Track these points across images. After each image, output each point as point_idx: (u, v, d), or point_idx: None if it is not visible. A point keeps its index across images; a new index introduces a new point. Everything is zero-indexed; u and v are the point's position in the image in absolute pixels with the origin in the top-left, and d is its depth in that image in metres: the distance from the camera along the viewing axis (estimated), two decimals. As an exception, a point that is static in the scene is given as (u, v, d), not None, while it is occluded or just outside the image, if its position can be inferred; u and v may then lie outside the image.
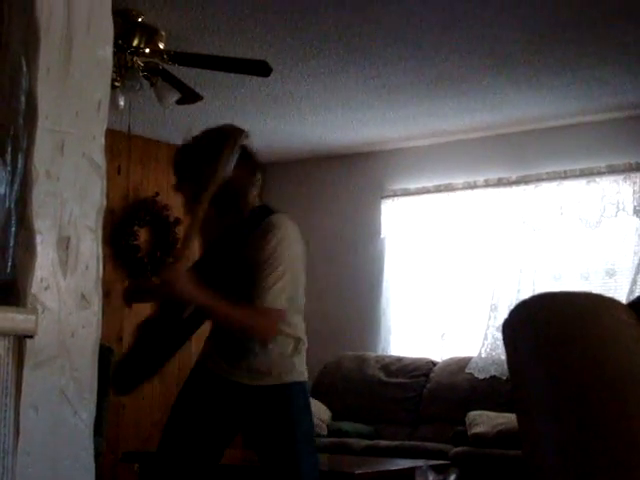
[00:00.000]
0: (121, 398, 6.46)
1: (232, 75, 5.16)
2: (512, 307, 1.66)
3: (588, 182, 6.39)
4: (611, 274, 6.26)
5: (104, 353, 2.39)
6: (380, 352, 6.98)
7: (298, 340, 3.19)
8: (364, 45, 5.07)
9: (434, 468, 4.61)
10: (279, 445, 3.11)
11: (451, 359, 6.59)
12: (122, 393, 3.66)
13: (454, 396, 6.25)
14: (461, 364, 6.42)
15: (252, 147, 3.27)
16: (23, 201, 2.08)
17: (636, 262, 6.08)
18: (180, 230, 6.80)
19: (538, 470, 1.56)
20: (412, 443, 5.95)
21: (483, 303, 6.66)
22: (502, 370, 6.12)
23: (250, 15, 4.68)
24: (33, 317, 2.01)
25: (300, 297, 3.21)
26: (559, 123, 6.48)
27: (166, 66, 4.85)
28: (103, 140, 2.22)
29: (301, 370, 3.20)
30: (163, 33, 4.80)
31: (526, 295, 5.58)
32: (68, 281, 2.11)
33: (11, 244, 2.10)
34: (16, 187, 2.11)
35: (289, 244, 3.11)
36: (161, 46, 4.79)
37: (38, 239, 2.07)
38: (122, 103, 4.80)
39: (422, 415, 6.40)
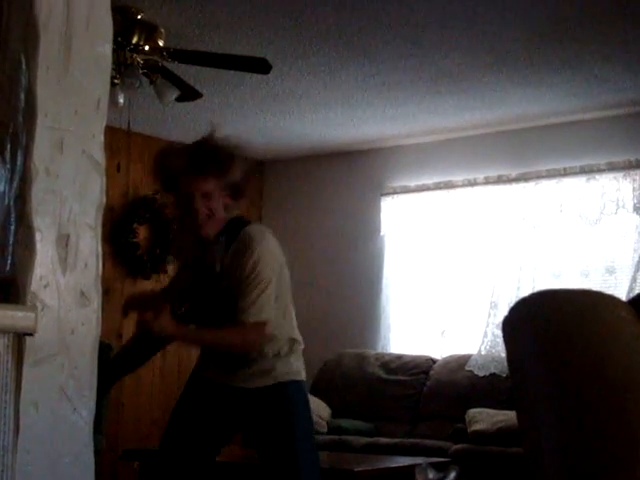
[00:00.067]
0: (121, 397, 6.47)
1: (232, 72, 5.15)
2: (512, 304, 1.66)
3: (588, 179, 6.39)
4: (611, 271, 6.25)
5: (103, 350, 2.39)
6: (380, 349, 6.98)
7: (293, 341, 3.23)
8: (364, 43, 5.06)
9: (434, 465, 4.60)
10: (278, 443, 3.13)
11: (451, 356, 6.59)
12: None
13: (454, 393, 6.25)
14: (461, 361, 6.42)
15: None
16: (22, 199, 2.08)
17: (636, 259, 6.08)
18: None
19: (538, 467, 1.56)
20: (412, 440, 5.95)
21: (483, 300, 6.66)
22: (502, 367, 6.12)
23: (250, 12, 4.68)
24: (33, 315, 2.01)
25: (287, 299, 3.23)
26: (559, 120, 6.48)
27: (166, 63, 4.85)
28: (102, 137, 2.23)
29: (298, 369, 3.24)
30: (162, 30, 4.80)
31: (526, 292, 5.56)
32: (67, 279, 2.11)
33: (11, 242, 2.10)
34: (15, 185, 2.11)
35: (267, 254, 3.11)
36: (160, 43, 4.79)
37: (37, 237, 2.07)
38: (122, 100, 4.80)
39: (422, 412, 6.40)
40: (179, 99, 5.12)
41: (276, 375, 3.16)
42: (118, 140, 6.36)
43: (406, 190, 7.14)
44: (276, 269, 3.14)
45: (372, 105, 6.24)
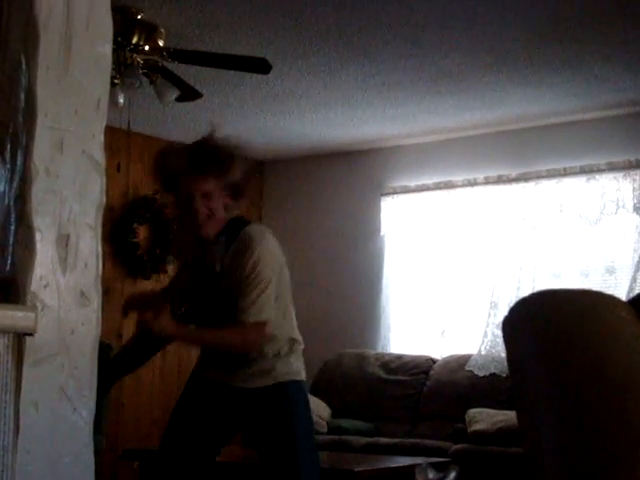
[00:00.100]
0: (121, 397, 6.47)
1: (232, 72, 5.15)
2: (512, 304, 1.66)
3: (588, 179, 6.39)
4: (611, 271, 6.25)
5: (103, 350, 2.39)
6: (380, 349, 6.98)
7: (292, 341, 3.23)
8: (364, 43, 5.07)
9: (434, 465, 4.60)
10: (278, 443, 3.14)
11: (451, 356, 6.58)
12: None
13: (454, 393, 6.25)
14: (461, 361, 6.42)
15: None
16: (22, 199, 2.08)
17: (636, 259, 6.08)
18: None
19: (538, 467, 1.56)
20: (412, 440, 5.95)
21: (483, 300, 6.66)
22: (502, 367, 6.12)
23: (250, 12, 4.68)
24: (33, 315, 2.01)
25: (287, 299, 3.23)
26: (559, 120, 6.48)
27: (166, 63, 4.85)
28: (102, 137, 2.23)
29: (298, 369, 3.24)
30: (162, 30, 4.80)
31: (526, 292, 5.56)
32: (67, 279, 2.11)
33: (11, 242, 2.10)
34: (15, 185, 2.11)
35: (267, 254, 3.11)
36: (160, 43, 4.79)
37: (37, 237, 2.07)
38: (122, 100, 4.80)
39: (422, 412, 6.40)
40: (179, 99, 5.12)
41: (276, 375, 3.17)
42: (118, 140, 6.36)
43: (406, 190, 7.14)
44: (276, 269, 3.14)
45: (372, 105, 6.24)
